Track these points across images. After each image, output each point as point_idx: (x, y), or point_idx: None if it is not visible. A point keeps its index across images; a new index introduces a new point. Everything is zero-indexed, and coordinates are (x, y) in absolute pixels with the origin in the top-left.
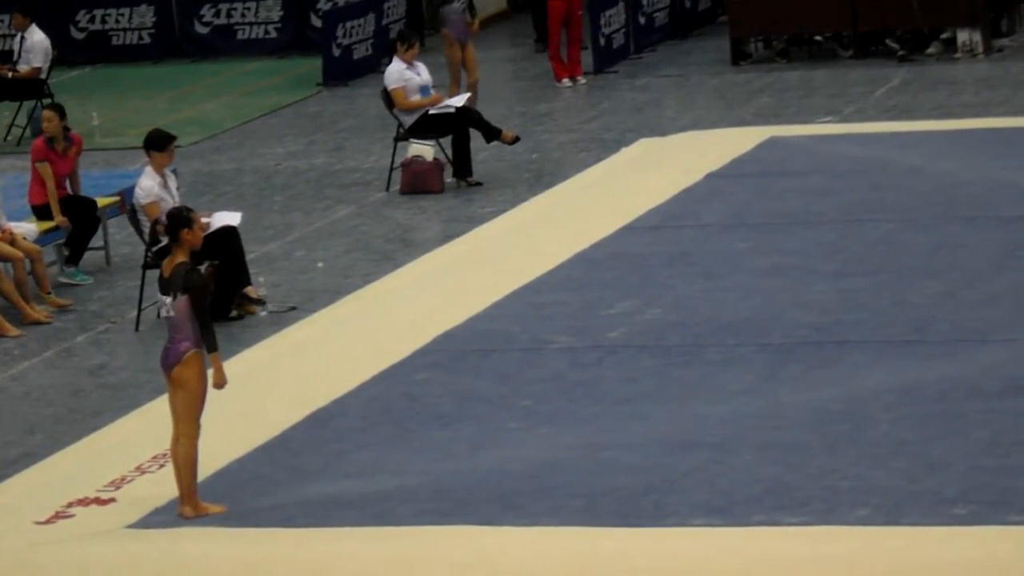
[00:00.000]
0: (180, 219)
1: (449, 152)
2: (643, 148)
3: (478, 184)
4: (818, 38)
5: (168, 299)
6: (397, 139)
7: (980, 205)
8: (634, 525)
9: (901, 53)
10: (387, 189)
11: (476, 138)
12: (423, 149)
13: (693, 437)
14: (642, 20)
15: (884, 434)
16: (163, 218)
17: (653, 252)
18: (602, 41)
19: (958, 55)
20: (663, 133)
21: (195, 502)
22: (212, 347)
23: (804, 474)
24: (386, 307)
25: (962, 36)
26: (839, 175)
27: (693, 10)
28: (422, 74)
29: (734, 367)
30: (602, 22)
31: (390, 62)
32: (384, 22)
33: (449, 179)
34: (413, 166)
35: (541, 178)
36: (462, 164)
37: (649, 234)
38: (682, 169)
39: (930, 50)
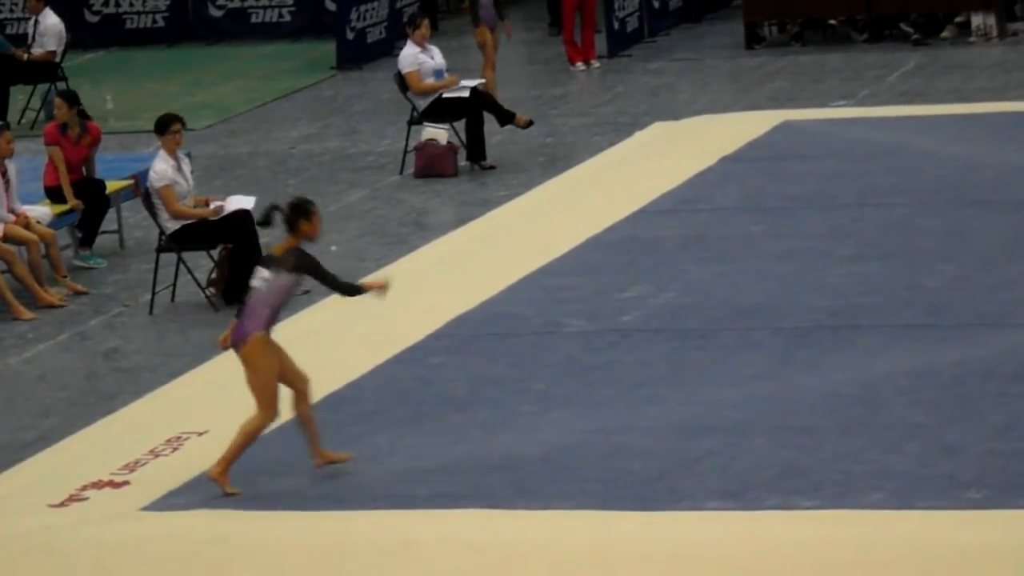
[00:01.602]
0: (302, 210)
1: (463, 136)
2: (657, 132)
3: (492, 168)
4: (832, 22)
5: (268, 273)
6: (411, 122)
7: (995, 189)
8: (648, 509)
9: (915, 37)
10: (401, 173)
11: (490, 122)
12: (437, 133)
13: (707, 421)
14: (656, 4)
15: (898, 418)
16: (186, 201)
17: (667, 236)
18: (616, 25)
19: (972, 39)
20: (677, 117)
21: (224, 472)
22: (356, 291)
23: (818, 458)
24: (400, 291)
25: (976, 20)
26: (853, 159)
27: None
28: (436, 57)
29: (748, 351)
30: (616, 5)
31: (404, 45)
32: (398, 5)
33: (463, 163)
34: (427, 150)
35: (555, 162)
36: (476, 148)
37: (663, 218)
38: (697, 152)
39: (944, 34)
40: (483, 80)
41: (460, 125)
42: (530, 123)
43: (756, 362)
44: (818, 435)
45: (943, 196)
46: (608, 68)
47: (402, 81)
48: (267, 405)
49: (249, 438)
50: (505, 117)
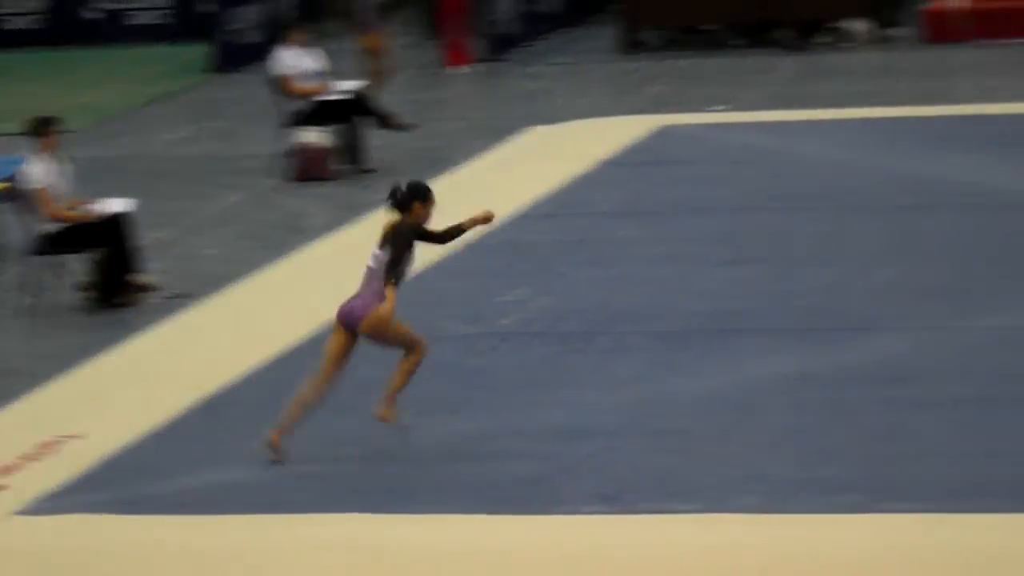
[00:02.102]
0: (420, 192)
1: (342, 139)
2: (535, 136)
3: (371, 171)
4: (711, 27)
5: (379, 251)
6: (288, 125)
7: (870, 194)
8: (526, 513)
9: (793, 42)
10: (278, 176)
11: (369, 125)
12: (315, 136)
13: (585, 425)
14: (534, 8)
15: (775, 422)
16: (61, 204)
17: (546, 240)
18: (494, 28)
19: (851, 44)
20: (555, 121)
21: (391, 406)
22: (390, 281)
23: (695, 462)
24: (277, 294)
25: (855, 26)
26: (731, 163)
27: None
28: (313, 60)
29: (626, 355)
30: (493, 10)
31: (281, 48)
32: (276, 7)
33: (341, 166)
34: (305, 153)
35: (433, 165)
36: (355, 151)
37: (542, 222)
38: (575, 156)
39: (822, 39)
40: (364, 83)
41: (340, 128)
42: (410, 127)
43: (634, 366)
44: (695, 439)
45: (820, 201)
46: (486, 72)
47: (278, 84)
48: (415, 344)
49: (408, 376)
50: (384, 120)
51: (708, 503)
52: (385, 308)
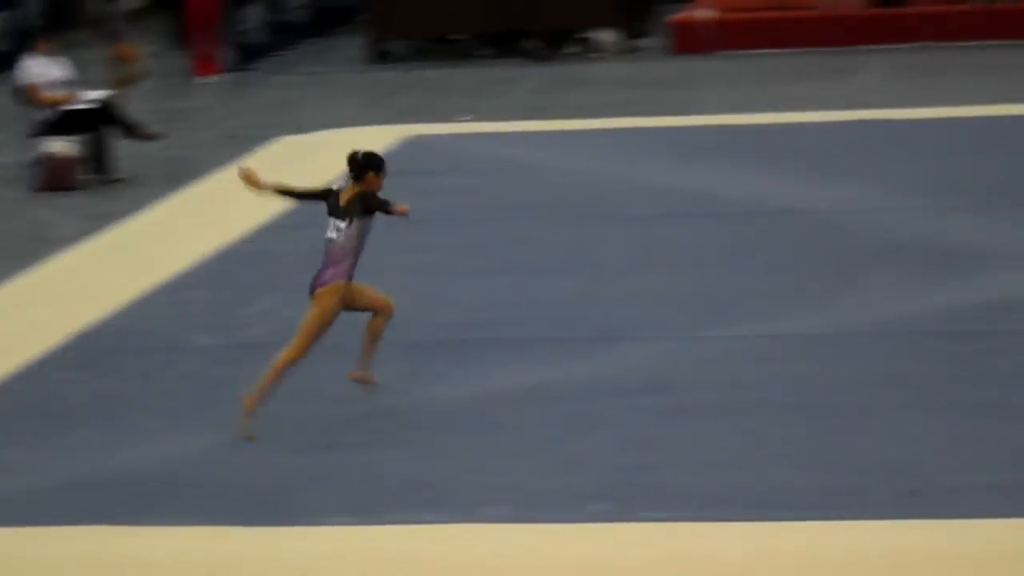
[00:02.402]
0: (375, 163)
1: (89, 149)
2: (284, 146)
3: (118, 181)
4: (458, 37)
5: (342, 223)
6: (35, 135)
7: (618, 204)
8: (271, 524)
9: (540, 53)
10: (23, 186)
11: (116, 135)
12: (61, 145)
13: (332, 435)
14: (283, 17)
15: (524, 431)
16: None
17: (294, 250)
18: (242, 38)
19: (599, 55)
20: (304, 131)
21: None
22: (390, 208)
23: (444, 471)
24: (22, 305)
25: (602, 36)
26: (479, 174)
27: (334, 8)
28: (60, 69)
29: (376, 365)
30: (242, 19)
31: (28, 57)
32: (23, 16)
33: (88, 176)
34: (51, 163)
35: (181, 176)
36: (101, 161)
37: (290, 232)
38: (323, 166)
39: (571, 50)
40: (111, 92)
41: (86, 138)
42: (157, 136)
43: (384, 375)
44: (444, 448)
45: (567, 210)
46: (234, 82)
47: (23, 93)
48: (307, 337)
49: (279, 371)
50: (131, 130)
51: (456, 513)
52: (336, 284)
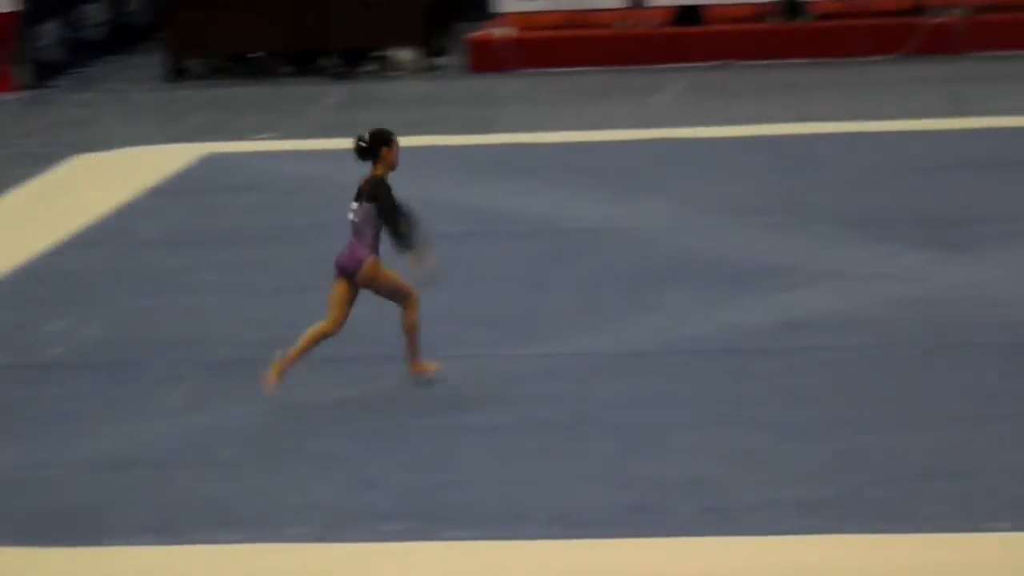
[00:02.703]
0: (382, 138)
1: None
2: (81, 164)
3: None
4: (258, 55)
5: (355, 204)
6: None
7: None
8: (74, 544)
9: (339, 70)
10: None
11: None
12: None
13: (133, 454)
14: (80, 35)
15: (322, 450)
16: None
17: (91, 269)
18: (38, 55)
19: (398, 73)
20: (102, 149)
21: (416, 363)
22: (408, 246)
23: (246, 491)
24: None
25: (401, 55)
26: (277, 192)
27: (133, 26)
28: None
29: (175, 384)
30: (38, 35)
31: None
32: None
33: None
34: None
35: None
36: None
37: (87, 251)
38: (121, 185)
39: (369, 68)
40: None
41: None
42: None
43: (183, 395)
44: (243, 468)
45: None
46: (31, 99)
47: None
48: (408, 297)
49: (416, 329)
50: None
51: (256, 533)
52: (369, 260)
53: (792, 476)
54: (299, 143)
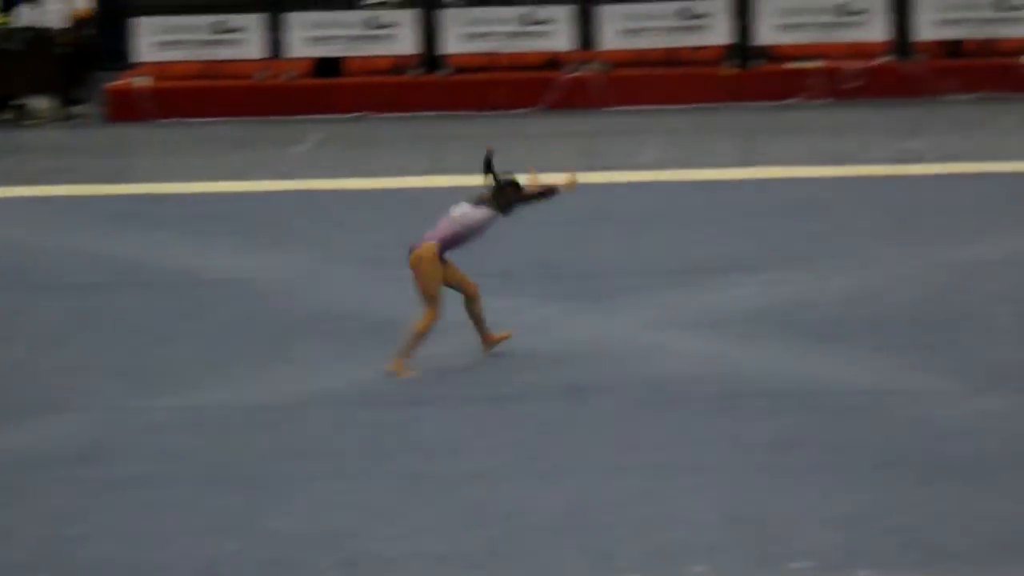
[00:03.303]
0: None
1: None
2: None
3: None
4: None
5: (468, 206)
6: None
7: (51, 272)
8: None
9: None
10: None
11: None
12: None
13: None
14: None
15: None
16: None
17: None
18: None
19: (34, 121)
20: None
21: (400, 363)
22: (553, 192)
23: None
24: None
25: (38, 103)
26: None
27: None
28: None
29: None
30: None
31: None
32: None
33: None
34: None
35: None
36: None
37: None
38: None
39: (5, 116)
40: None
41: None
42: None
43: None
44: None
45: (1, 279)
46: None
47: None
48: (430, 303)
49: (418, 335)
50: None
51: None
52: (425, 248)
53: (430, 526)
54: None
